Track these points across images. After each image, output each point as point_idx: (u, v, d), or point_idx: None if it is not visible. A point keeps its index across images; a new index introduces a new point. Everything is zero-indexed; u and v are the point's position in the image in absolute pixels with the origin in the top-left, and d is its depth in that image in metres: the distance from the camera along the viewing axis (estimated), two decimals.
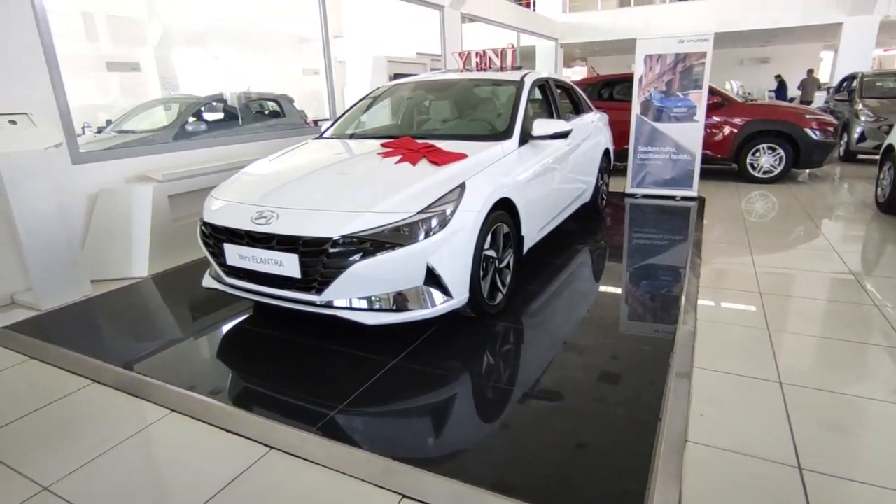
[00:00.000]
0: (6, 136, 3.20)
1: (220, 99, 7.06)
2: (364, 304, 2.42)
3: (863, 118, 8.06)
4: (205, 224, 2.76)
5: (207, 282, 2.94)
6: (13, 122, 3.29)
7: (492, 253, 2.77)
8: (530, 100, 3.56)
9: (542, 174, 3.40)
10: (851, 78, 9.28)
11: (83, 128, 5.88)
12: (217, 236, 2.66)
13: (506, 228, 2.90)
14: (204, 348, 2.83)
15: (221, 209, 2.72)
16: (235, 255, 2.58)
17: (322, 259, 2.34)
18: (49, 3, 3.62)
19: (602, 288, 3.48)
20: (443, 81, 3.98)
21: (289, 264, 2.41)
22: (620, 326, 2.90)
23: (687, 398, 2.15)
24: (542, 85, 3.93)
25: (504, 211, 2.86)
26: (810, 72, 15.04)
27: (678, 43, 5.64)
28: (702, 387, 2.24)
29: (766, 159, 6.72)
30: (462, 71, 4.30)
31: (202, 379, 2.45)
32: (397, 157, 2.80)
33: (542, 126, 3.25)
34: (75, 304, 3.44)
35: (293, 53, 9.63)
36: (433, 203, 2.42)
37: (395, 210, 2.37)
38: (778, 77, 16.00)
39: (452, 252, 2.45)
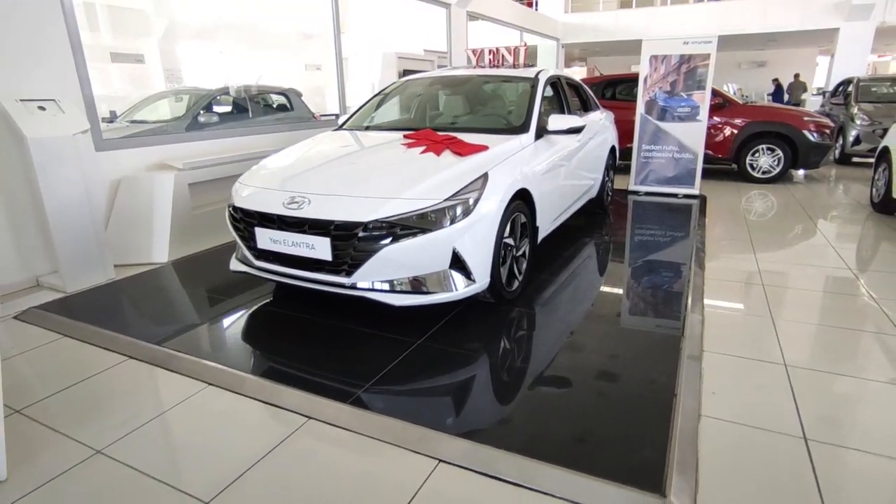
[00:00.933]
0: (36, 122, 3.29)
1: (229, 92, 7.15)
2: (391, 287, 2.54)
3: (858, 122, 8.25)
4: (235, 209, 2.87)
5: (235, 265, 3.04)
6: (42, 108, 3.38)
7: (510, 241, 2.89)
8: (543, 96, 3.69)
9: (556, 167, 3.53)
10: (847, 82, 9.48)
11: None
12: (248, 220, 2.77)
13: (522, 218, 3.03)
14: (230, 329, 2.93)
15: (252, 195, 2.83)
16: (267, 238, 2.69)
17: (353, 242, 2.46)
18: None
19: (610, 279, 3.62)
20: (460, 77, 4.10)
21: (320, 247, 2.52)
22: (630, 314, 3.03)
23: (699, 378, 2.28)
24: (555, 82, 4.06)
25: (521, 201, 2.99)
26: (796, 76, 15.58)
27: (683, 44, 5.78)
28: (712, 368, 2.37)
29: (765, 160, 6.89)
30: (475, 67, 4.42)
31: (232, 357, 2.56)
32: (422, 148, 2.91)
33: (557, 121, 3.38)
34: (100, 287, 3.53)
35: (296, 48, 9.70)
36: (459, 191, 2.54)
37: (423, 197, 2.49)
38: (775, 80, 16.23)
39: (476, 238, 2.57)
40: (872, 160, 5.78)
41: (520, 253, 3.05)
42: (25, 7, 3.40)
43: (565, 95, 4.16)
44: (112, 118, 6.30)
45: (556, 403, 2.10)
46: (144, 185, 4.03)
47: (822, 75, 19.47)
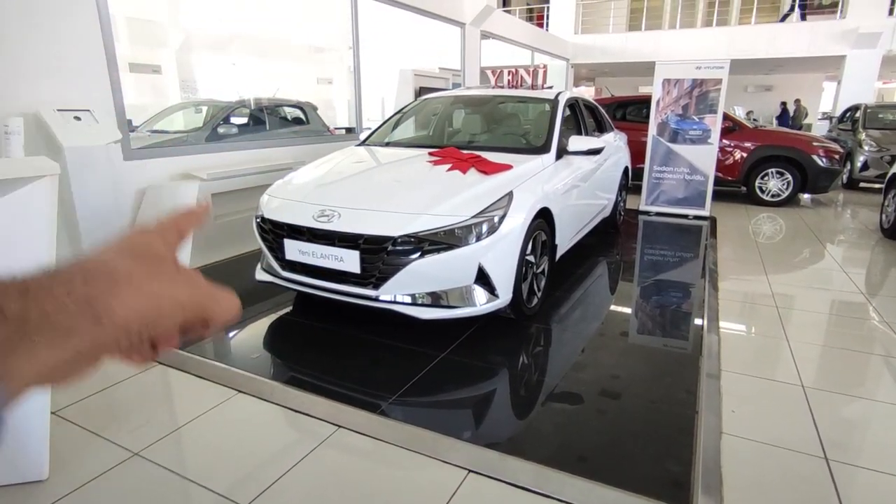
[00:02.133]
0: (71, 131, 3.39)
1: (247, 104, 7.29)
2: (416, 300, 2.61)
3: (866, 148, 8.34)
4: (263, 220, 2.95)
5: (260, 275, 3.11)
6: (77, 118, 3.48)
7: (531, 258, 2.96)
8: (563, 117, 3.78)
9: (574, 187, 3.61)
10: (855, 109, 9.59)
11: None
12: (277, 232, 2.84)
13: (543, 236, 3.10)
14: (254, 338, 2.99)
15: (281, 206, 2.91)
16: (295, 250, 2.76)
17: (382, 256, 2.53)
18: (113, 9, 3.84)
19: (624, 297, 3.68)
20: (481, 97, 4.21)
21: (349, 260, 2.59)
22: (647, 332, 3.09)
23: (718, 396, 2.33)
24: (573, 104, 4.16)
25: (542, 219, 3.06)
26: (797, 101, 16.04)
27: (695, 69, 5.90)
28: (731, 387, 2.42)
29: (774, 183, 6.97)
30: (494, 87, 4.53)
31: (259, 365, 2.62)
32: (448, 165, 3.00)
33: (577, 142, 3.47)
34: None
35: (308, 62, 9.88)
36: (485, 209, 2.62)
37: (452, 213, 2.56)
38: (783, 104, 16.41)
39: (500, 255, 2.64)
40: (880, 185, 5.85)
41: (539, 270, 3.12)
42: (66, 20, 3.53)
43: (583, 117, 4.26)
44: (130, 127, 6.44)
45: (579, 417, 2.15)
46: (169, 193, 4.12)
47: (827, 100, 19.67)
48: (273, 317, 3.20)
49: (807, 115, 16.68)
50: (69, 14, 3.55)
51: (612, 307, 3.48)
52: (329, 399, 2.26)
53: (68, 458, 1.94)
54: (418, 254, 2.51)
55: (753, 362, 2.70)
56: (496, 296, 2.66)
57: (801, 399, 2.34)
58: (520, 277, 2.80)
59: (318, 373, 2.53)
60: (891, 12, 11.84)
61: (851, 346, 2.92)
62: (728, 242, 5.17)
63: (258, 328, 3.08)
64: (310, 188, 3.00)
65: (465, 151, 3.26)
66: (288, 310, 3.28)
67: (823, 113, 18.29)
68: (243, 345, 2.89)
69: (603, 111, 5.14)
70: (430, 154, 3.25)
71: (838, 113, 11.13)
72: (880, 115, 9.11)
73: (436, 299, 2.60)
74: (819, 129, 13.47)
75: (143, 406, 2.28)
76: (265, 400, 2.31)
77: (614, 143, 4.96)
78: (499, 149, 3.42)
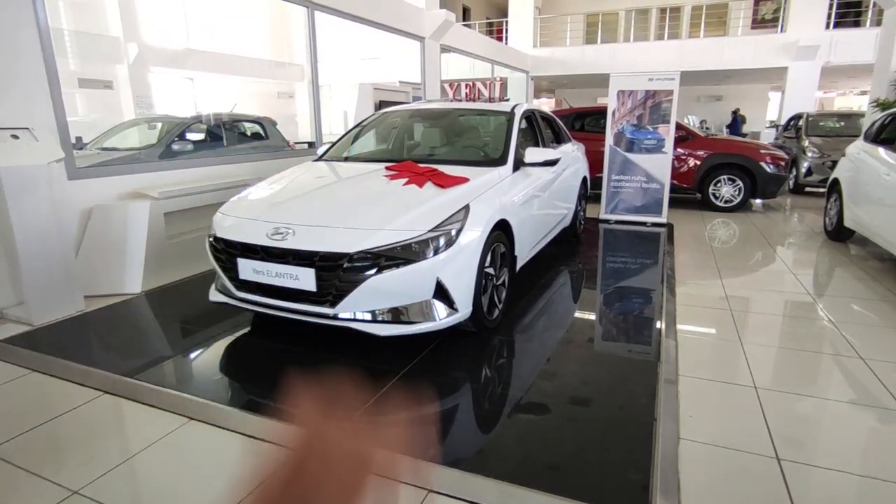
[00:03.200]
0: (9, 150, 3.23)
1: (203, 120, 7.13)
2: (375, 317, 2.57)
3: (809, 154, 8.76)
4: (216, 239, 2.86)
5: (215, 296, 3.02)
6: (15, 137, 3.32)
7: (491, 270, 2.96)
8: (519, 129, 3.83)
9: (533, 198, 3.65)
10: (798, 117, 10.08)
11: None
12: (230, 251, 2.76)
13: (502, 248, 3.11)
14: (208, 361, 2.89)
15: (235, 225, 2.83)
16: (249, 269, 2.68)
17: (338, 273, 2.48)
18: (53, 22, 3.70)
19: (585, 305, 3.72)
20: (438, 110, 4.22)
21: (304, 278, 2.53)
22: (606, 339, 3.12)
23: (676, 401, 2.37)
24: (529, 116, 4.22)
25: (501, 231, 3.07)
26: (737, 110, 16.94)
27: (648, 80, 6.09)
28: (688, 392, 2.46)
29: (726, 189, 7.23)
30: (452, 100, 4.56)
31: (212, 389, 2.52)
32: (404, 180, 2.98)
33: (533, 154, 3.51)
34: (69, 319, 3.43)
35: (268, 77, 9.77)
36: (442, 223, 2.61)
37: (408, 228, 2.54)
38: (734, 113, 17.12)
39: (459, 268, 2.63)
40: (823, 190, 6.14)
41: (500, 282, 3.12)
42: (2, 34, 3.37)
43: (539, 128, 4.33)
44: (79, 145, 6.20)
45: (540, 429, 2.15)
46: (118, 213, 3.96)
47: (773, 110, 20.64)
48: (229, 339, 3.09)
49: (745, 122, 17.47)
50: (5, 28, 3.39)
51: (575, 315, 3.51)
52: (285, 423, 2.19)
53: (3, 500, 1.81)
54: (375, 270, 2.47)
55: (709, 366, 2.76)
56: (456, 309, 2.65)
57: (754, 400, 2.40)
58: (479, 290, 2.79)
59: (275, 395, 2.44)
60: (827, 26, 12.55)
61: (802, 346, 3.03)
62: (685, 248, 5.31)
63: (213, 351, 2.98)
64: (264, 206, 2.93)
65: (422, 165, 3.25)
66: (245, 331, 3.18)
67: (770, 122, 19.19)
68: (196, 369, 2.78)
69: (560, 122, 5.24)
70: (387, 168, 3.23)
71: (783, 121, 11.68)
72: (821, 123, 9.61)
73: (395, 315, 2.56)
74: (766, 136, 14.08)
75: (86, 440, 2.16)
76: (218, 426, 2.22)
77: (572, 153, 5.05)
78: (457, 162, 3.43)
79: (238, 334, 3.14)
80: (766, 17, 17.89)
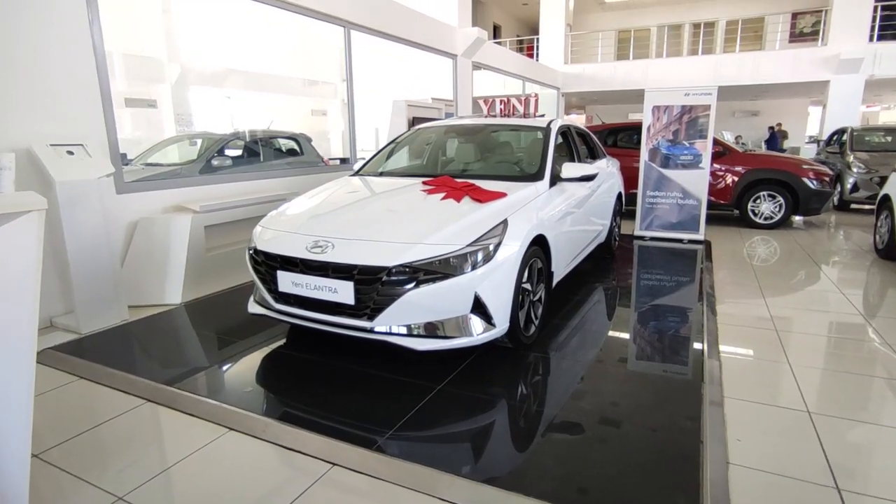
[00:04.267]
0: (64, 165, 3.38)
1: (241, 136, 7.34)
2: (411, 331, 2.56)
3: (855, 170, 8.46)
4: (256, 252, 2.91)
5: (253, 308, 3.06)
6: (70, 153, 3.48)
7: (528, 286, 2.93)
8: (555, 145, 3.81)
9: (569, 214, 3.61)
10: (841, 132, 9.76)
11: None
12: (269, 264, 2.81)
13: (539, 263, 3.08)
14: (247, 372, 2.92)
15: (274, 238, 2.88)
16: (288, 282, 2.72)
17: (376, 287, 2.49)
18: (108, 46, 3.88)
19: (622, 323, 3.63)
20: (473, 126, 4.25)
21: (343, 291, 2.55)
22: (644, 359, 3.04)
23: (723, 424, 2.27)
24: (565, 131, 4.20)
25: (538, 247, 3.04)
26: (779, 125, 16.59)
27: (684, 96, 6.00)
28: (735, 415, 2.37)
29: (766, 206, 7.02)
30: (487, 116, 4.58)
31: (251, 401, 2.55)
32: (442, 194, 2.99)
33: (570, 169, 3.48)
34: (114, 328, 3.53)
35: (301, 94, 10.02)
36: (480, 237, 2.60)
37: (446, 242, 2.54)
38: (771, 129, 16.71)
39: (497, 284, 2.61)
40: (870, 206, 5.90)
41: (536, 298, 3.08)
42: (61, 54, 3.56)
43: (575, 144, 4.30)
44: (125, 161, 6.46)
45: (581, 449, 2.09)
46: (161, 226, 4.09)
47: (813, 124, 20.08)
48: (266, 350, 3.13)
49: (787, 138, 17.01)
50: (65, 51, 3.58)
51: (611, 333, 3.44)
52: (323, 435, 2.19)
53: None
54: (413, 284, 2.48)
55: (757, 388, 2.65)
56: (493, 325, 2.62)
57: (808, 425, 2.29)
58: (516, 306, 2.76)
59: (313, 408, 2.45)
60: (871, 38, 12.18)
61: (854, 369, 2.88)
62: (724, 266, 5.16)
63: (250, 362, 3.02)
64: (303, 219, 2.98)
65: (458, 180, 3.26)
66: (281, 343, 3.21)
67: (810, 137, 18.65)
68: (235, 380, 2.82)
69: (595, 138, 5.20)
70: (424, 183, 3.25)
71: (825, 137, 11.33)
72: (866, 138, 9.28)
73: (432, 330, 2.55)
74: (806, 152, 13.68)
75: (129, 446, 2.20)
76: (257, 437, 2.24)
77: (607, 169, 4.99)
78: (492, 177, 3.43)
79: (275, 346, 3.18)
80: (805, 31, 17.51)
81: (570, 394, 2.57)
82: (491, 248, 2.61)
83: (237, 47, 8.80)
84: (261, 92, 9.61)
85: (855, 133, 9.27)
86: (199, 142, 6.99)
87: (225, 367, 2.94)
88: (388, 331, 2.56)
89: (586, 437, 2.18)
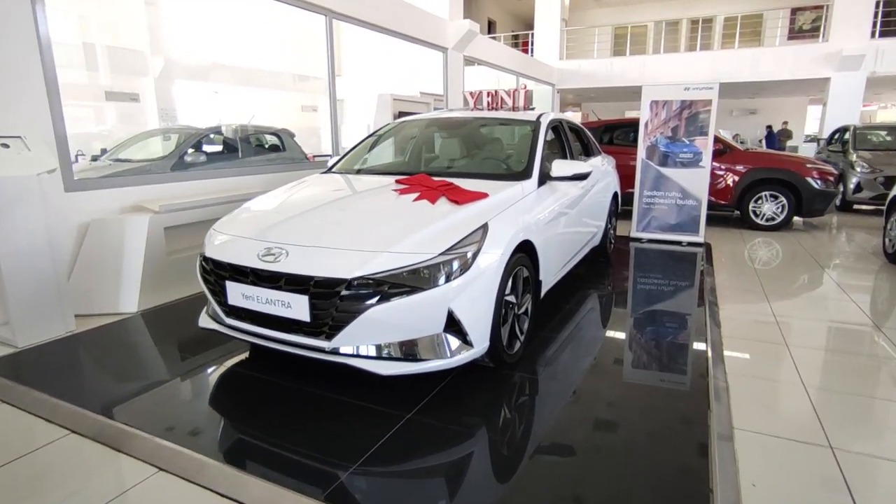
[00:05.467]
0: None
1: (219, 131, 6.98)
2: (378, 352, 2.23)
3: (858, 169, 8.17)
4: (205, 259, 2.58)
5: (204, 321, 2.73)
6: (5, 146, 3.12)
7: (512, 298, 2.60)
8: (545, 140, 3.48)
9: (560, 216, 3.28)
10: (843, 130, 9.48)
11: (77, 155, 5.74)
12: (219, 273, 2.47)
13: (525, 272, 2.75)
14: (197, 395, 2.59)
15: (225, 244, 2.54)
16: (238, 294, 2.38)
17: (335, 302, 2.16)
18: (54, 34, 3.52)
19: (618, 336, 3.31)
20: (457, 119, 3.91)
21: (297, 306, 2.22)
22: (645, 379, 2.72)
23: (734, 464, 1.96)
24: (556, 126, 3.87)
25: (524, 254, 2.72)
26: (785, 123, 16.37)
27: (684, 90, 5.68)
28: (748, 452, 2.05)
29: (768, 206, 6.72)
30: (473, 109, 4.25)
31: (195, 432, 2.21)
32: (415, 195, 2.66)
33: (561, 167, 3.16)
34: (56, 341, 3.19)
35: (292, 90, 9.69)
36: (456, 244, 2.27)
37: (416, 251, 2.21)
38: (769, 127, 16.45)
39: (475, 297, 2.28)
40: (874, 207, 5.60)
41: (522, 311, 2.76)
42: None
43: (567, 140, 3.97)
44: (101, 156, 6.11)
45: (571, 491, 1.76)
46: (115, 228, 3.74)
47: (812, 123, 19.84)
48: (222, 369, 2.80)
49: (790, 137, 16.74)
50: (2, 40, 3.23)
51: (604, 349, 3.11)
52: (267, 481, 1.85)
53: None
54: (377, 298, 2.14)
55: (769, 416, 2.34)
56: (470, 344, 2.30)
57: (832, 465, 1.97)
58: (498, 321, 2.44)
59: (266, 438, 2.12)
60: (873, 35, 11.90)
61: (878, 393, 2.57)
62: (726, 271, 4.85)
63: (202, 384, 2.69)
64: (259, 222, 2.64)
65: (437, 179, 2.92)
66: (242, 358, 2.88)
67: (808, 135, 18.40)
68: (179, 406, 2.47)
69: (589, 134, 4.87)
70: (397, 182, 2.92)
71: (825, 135, 11.05)
72: (869, 137, 9.00)
73: (401, 351, 2.22)
74: (805, 151, 13.41)
75: (37, 491, 1.86)
76: (189, 481, 1.90)
77: (602, 167, 4.67)
78: (476, 175, 3.10)
79: (232, 363, 2.84)
80: (804, 28, 17.22)
81: (558, 422, 2.24)
82: (468, 256, 2.28)
83: (225, 42, 8.46)
84: (249, 87, 9.27)
85: (858, 131, 8.98)
86: (175, 136, 6.63)
87: (171, 390, 2.60)
88: (349, 352, 2.23)
89: (576, 476, 1.85)
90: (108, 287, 3.70)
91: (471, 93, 4.39)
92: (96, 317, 3.57)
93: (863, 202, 8.25)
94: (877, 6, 11.82)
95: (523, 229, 2.66)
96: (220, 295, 2.48)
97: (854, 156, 8.39)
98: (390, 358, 2.22)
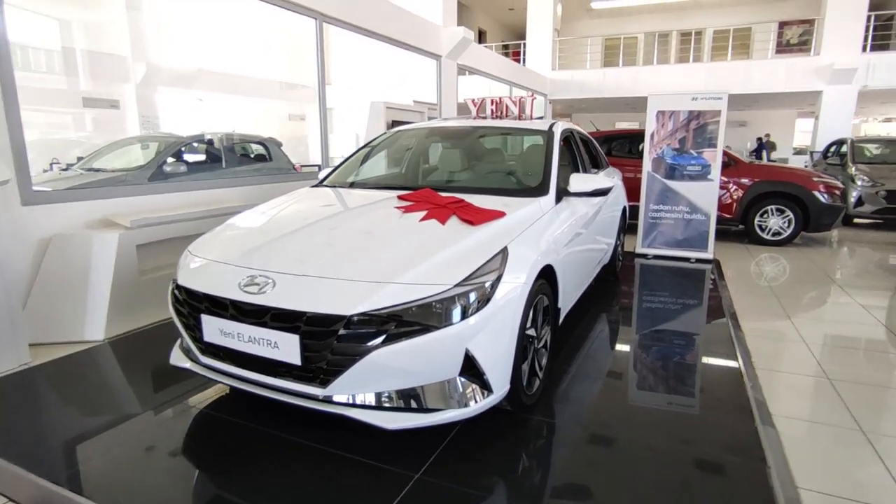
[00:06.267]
0: None
1: (202, 139, 6.60)
2: (379, 401, 1.88)
3: (859, 183, 8.02)
4: (178, 287, 2.21)
5: (177, 359, 2.35)
6: None
7: (532, 332, 2.28)
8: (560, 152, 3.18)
9: (577, 235, 2.98)
10: (840, 143, 9.38)
11: (52, 164, 5.34)
12: (193, 304, 2.11)
13: (545, 300, 2.43)
14: (166, 446, 2.21)
15: (201, 270, 2.19)
16: (216, 329, 2.02)
17: (331, 342, 1.81)
18: (12, 35, 3.15)
19: (643, 365, 3.00)
20: (462, 129, 3.59)
21: (286, 347, 1.87)
22: (683, 423, 2.39)
23: None
24: (568, 136, 3.57)
25: (544, 280, 2.40)
26: (767, 136, 16.46)
27: (691, 100, 5.45)
28: None
29: (774, 221, 6.50)
30: (476, 118, 3.94)
31: (158, 500, 1.84)
32: (421, 214, 2.33)
33: (580, 182, 2.85)
34: (6, 377, 2.78)
35: (279, 98, 9.36)
36: (474, 273, 1.94)
37: (428, 281, 1.87)
38: (759, 139, 16.45)
39: (495, 335, 1.95)
40: (876, 220, 5.40)
41: (541, 344, 2.43)
42: None
43: (580, 152, 3.68)
44: (76, 164, 5.69)
45: None
46: (80, 245, 3.35)
47: (799, 136, 19.96)
48: (197, 413, 2.42)
49: (775, 149, 16.74)
50: None
51: (632, 384, 2.79)
52: None
53: None
54: (382, 339, 1.80)
55: (838, 475, 2.03)
56: (489, 389, 1.96)
57: None
58: (519, 358, 2.11)
59: (248, 498, 1.76)
60: (864, 48, 11.92)
61: None
62: (741, 289, 4.58)
63: (171, 431, 2.30)
64: (240, 245, 2.28)
65: (444, 195, 2.60)
66: (221, 396, 2.51)
67: (795, 148, 18.48)
68: (141, 464, 2.09)
69: (598, 145, 4.60)
70: (400, 198, 2.59)
71: (819, 148, 10.97)
72: (867, 150, 8.90)
73: (407, 400, 1.88)
74: (794, 163, 13.36)
75: None
76: None
77: (612, 180, 4.38)
78: (486, 190, 2.78)
79: (210, 402, 2.47)
80: (792, 42, 17.33)
81: (589, 477, 1.91)
82: (487, 286, 1.95)
83: (211, 48, 8.12)
84: (235, 94, 8.92)
85: (856, 145, 8.87)
86: (153, 145, 6.24)
87: (136, 441, 2.22)
88: (347, 401, 1.88)
89: None
90: (72, 312, 3.30)
91: (473, 100, 4.09)
92: (57, 346, 3.17)
93: (864, 216, 8.11)
94: (868, 20, 11.85)
95: (545, 252, 2.34)
96: (195, 330, 2.12)
97: (853, 169, 8.26)
98: (395, 408, 1.88)
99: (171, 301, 2.27)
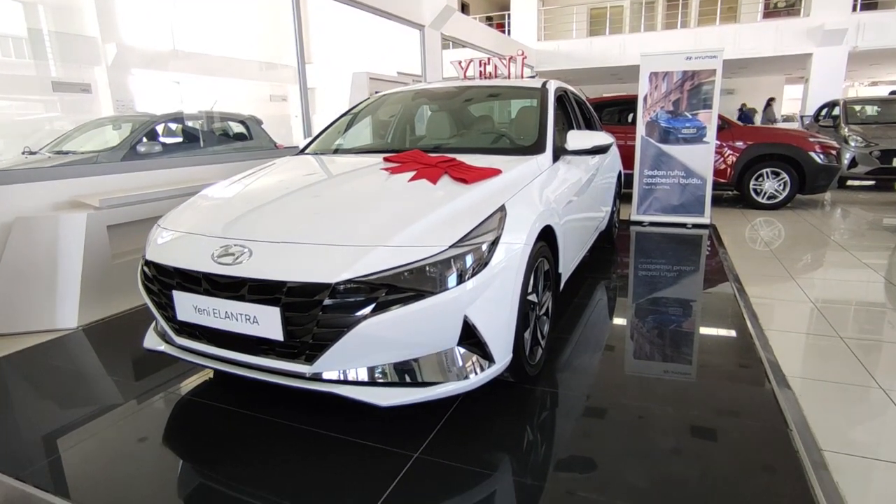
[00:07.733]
0: None
1: (179, 118, 6.32)
2: (371, 376, 1.73)
3: (853, 144, 7.92)
4: (147, 263, 2.02)
5: (151, 342, 2.18)
6: None
7: (534, 297, 2.13)
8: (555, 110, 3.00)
9: (577, 197, 2.81)
10: (832, 105, 9.26)
11: (23, 152, 5.08)
12: (164, 280, 1.93)
13: (546, 264, 2.28)
14: (149, 437, 2.04)
15: (171, 243, 2.00)
16: (189, 306, 1.84)
17: (315, 314, 1.64)
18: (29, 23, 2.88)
19: (645, 335, 2.87)
20: (451, 90, 3.39)
21: (267, 321, 1.70)
22: (696, 389, 2.27)
23: (839, 498, 1.52)
24: (561, 96, 3.38)
25: (544, 243, 2.24)
26: (743, 104, 15.80)
27: (685, 60, 5.27)
28: (852, 483, 1.62)
29: (769, 184, 6.39)
30: (464, 80, 3.73)
31: (141, 495, 1.68)
32: (410, 174, 2.14)
33: (578, 139, 2.68)
34: None
35: (260, 79, 9.06)
36: (469, 234, 1.77)
37: (419, 243, 1.70)
38: (740, 109, 16.22)
39: (495, 300, 1.79)
40: (869, 182, 5.30)
41: (543, 311, 2.29)
42: None
43: (574, 112, 3.50)
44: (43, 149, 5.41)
45: None
46: (46, 227, 3.13)
47: (787, 103, 19.84)
48: (180, 398, 2.25)
49: (755, 113, 16.34)
50: None
51: (634, 347, 2.67)
52: None
53: None
54: (371, 307, 1.64)
55: (862, 434, 1.92)
56: (491, 359, 1.81)
57: None
58: (521, 326, 1.96)
59: (237, 486, 1.60)
60: (854, 8, 11.74)
61: None
62: (740, 253, 4.46)
63: (153, 421, 2.13)
64: (212, 215, 2.09)
65: (433, 155, 2.41)
66: (205, 381, 2.35)
67: (784, 115, 18.34)
68: (119, 459, 1.93)
69: (591, 107, 4.41)
70: (387, 160, 2.40)
71: (810, 112, 10.85)
72: (860, 110, 8.79)
73: (402, 374, 1.72)
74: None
75: None
76: None
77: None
78: (478, 150, 2.60)
79: (194, 388, 2.31)
80: (780, 6, 17.11)
81: (602, 453, 1.78)
82: (484, 248, 1.79)
83: (186, 28, 7.78)
84: (213, 76, 8.61)
85: (848, 105, 8.75)
86: (126, 125, 5.95)
87: (112, 434, 2.05)
88: (337, 378, 1.72)
89: None
90: (40, 300, 3.09)
91: (459, 62, 3.87)
92: (27, 335, 2.98)
93: (858, 177, 8.04)
94: None
95: (545, 213, 2.18)
96: (168, 309, 1.94)
97: (846, 130, 8.15)
98: (389, 383, 1.72)
99: (141, 279, 2.08)
